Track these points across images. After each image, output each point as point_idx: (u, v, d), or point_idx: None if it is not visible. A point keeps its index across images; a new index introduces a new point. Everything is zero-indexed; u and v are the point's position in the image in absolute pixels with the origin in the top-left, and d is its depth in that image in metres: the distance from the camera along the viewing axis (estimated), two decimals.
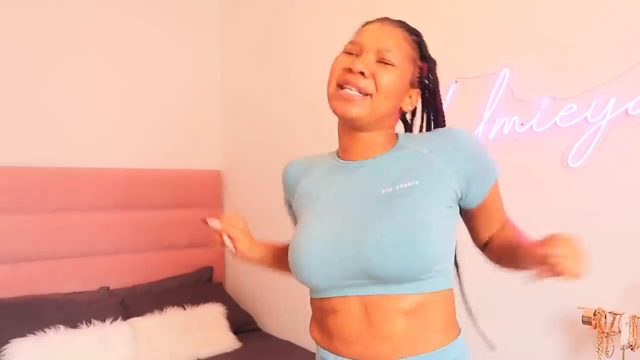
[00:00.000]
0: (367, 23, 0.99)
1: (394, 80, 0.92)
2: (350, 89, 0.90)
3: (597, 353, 1.46)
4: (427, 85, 1.01)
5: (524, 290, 1.67)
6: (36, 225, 2.43)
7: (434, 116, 1.04)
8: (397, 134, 1.02)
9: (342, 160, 1.00)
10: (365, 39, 0.93)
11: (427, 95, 1.02)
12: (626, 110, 1.46)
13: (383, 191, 0.91)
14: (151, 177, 2.82)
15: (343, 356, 0.91)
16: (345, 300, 0.90)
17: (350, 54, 0.94)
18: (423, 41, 1.00)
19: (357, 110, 0.90)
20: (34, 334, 2.07)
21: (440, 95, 1.04)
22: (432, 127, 1.05)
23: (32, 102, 2.52)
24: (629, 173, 1.46)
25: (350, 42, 0.95)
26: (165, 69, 2.96)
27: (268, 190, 2.81)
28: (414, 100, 1.00)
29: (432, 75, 1.01)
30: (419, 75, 0.98)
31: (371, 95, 0.90)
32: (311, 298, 1.00)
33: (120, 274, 2.67)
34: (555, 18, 1.61)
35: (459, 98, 1.85)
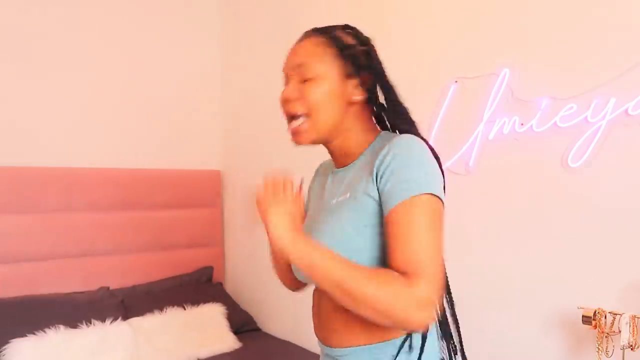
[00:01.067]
0: None
1: (320, 91, 0.93)
2: (291, 120, 0.96)
3: (597, 353, 1.46)
4: (364, 66, 0.98)
5: (524, 290, 1.67)
6: (36, 225, 2.43)
7: (386, 91, 1.00)
8: (376, 135, 1.01)
9: (333, 167, 1.07)
10: (285, 65, 0.99)
11: (372, 74, 0.99)
12: (626, 110, 1.46)
13: (332, 202, 0.97)
14: (151, 177, 2.83)
15: (318, 339, 1.03)
16: (315, 293, 1.04)
17: (285, 84, 0.99)
18: (335, 34, 0.98)
19: (305, 137, 0.96)
20: (34, 334, 2.07)
21: (378, 71, 1.00)
22: (388, 103, 1.00)
23: (32, 102, 2.52)
24: (629, 173, 1.46)
25: (282, 72, 1.00)
26: (165, 69, 2.96)
27: None
28: (360, 89, 0.97)
29: (365, 58, 0.98)
30: (352, 65, 0.96)
31: (306, 114, 0.94)
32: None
33: (120, 274, 2.67)
34: (555, 18, 1.61)
35: (459, 98, 1.85)
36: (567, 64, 1.58)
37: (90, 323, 2.21)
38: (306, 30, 1.02)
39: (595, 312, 1.46)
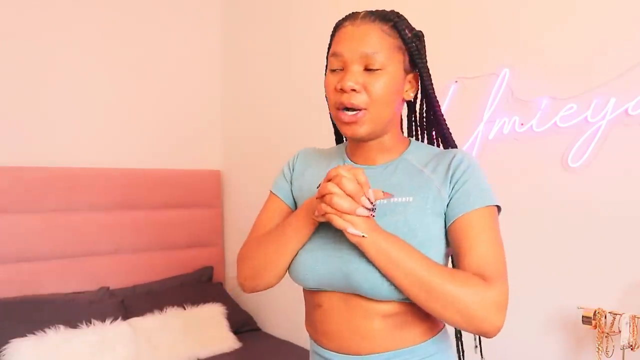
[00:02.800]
0: (340, 26, 0.94)
1: (386, 84, 0.89)
2: (349, 111, 0.89)
3: (597, 353, 1.46)
4: (418, 64, 0.96)
5: (524, 290, 1.66)
6: (36, 225, 2.43)
7: (426, 97, 1.00)
8: (409, 140, 1.01)
9: (350, 162, 1.00)
10: (345, 49, 0.89)
11: (422, 71, 0.97)
12: (626, 110, 1.46)
13: (378, 202, 0.90)
14: (151, 177, 2.82)
15: (326, 348, 0.94)
16: (329, 296, 0.93)
17: (337, 70, 0.91)
18: (400, 22, 0.92)
19: (363, 129, 0.90)
20: (34, 334, 2.07)
21: (428, 72, 0.98)
22: (425, 108, 1.02)
23: (32, 102, 2.52)
24: (629, 173, 1.46)
25: (332, 55, 0.92)
26: (165, 69, 2.96)
27: (268, 190, 2.81)
28: (414, 86, 0.97)
29: (419, 55, 0.95)
30: (411, 59, 0.94)
31: (367, 108, 0.88)
32: (303, 288, 1.01)
33: (120, 274, 2.67)
34: (555, 18, 1.61)
35: (459, 98, 1.85)
36: (567, 64, 1.58)
37: (90, 323, 2.21)
38: (364, 11, 0.93)
39: (595, 312, 1.46)
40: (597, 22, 1.52)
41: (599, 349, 1.46)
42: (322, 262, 0.91)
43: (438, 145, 1.07)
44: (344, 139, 1.10)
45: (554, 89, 1.61)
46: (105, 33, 2.75)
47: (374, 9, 0.94)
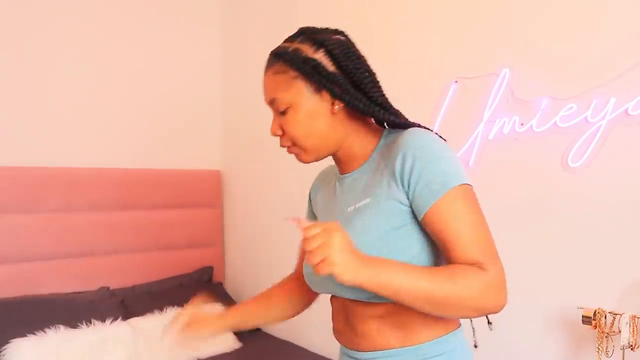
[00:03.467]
0: None
1: (297, 120, 0.92)
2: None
3: (597, 353, 1.46)
4: (330, 73, 0.90)
5: (524, 290, 1.66)
6: (36, 225, 2.43)
7: (363, 87, 0.92)
8: (382, 133, 0.98)
9: (338, 173, 1.04)
10: (264, 98, 0.98)
11: (342, 75, 0.91)
12: (626, 110, 1.46)
13: (348, 209, 0.94)
14: (151, 177, 2.82)
15: (340, 342, 1.03)
16: (334, 300, 1.01)
17: None
18: (289, 54, 0.92)
19: (306, 158, 0.96)
20: (34, 334, 2.07)
21: (337, 84, 0.91)
22: (365, 104, 0.92)
23: (32, 102, 2.52)
24: (629, 173, 1.46)
25: None
26: (165, 68, 2.96)
27: (268, 190, 2.82)
28: (336, 97, 0.91)
29: (316, 74, 0.90)
30: (316, 78, 0.90)
31: (295, 144, 0.94)
32: None
33: (120, 274, 2.67)
34: (555, 18, 1.61)
35: (459, 98, 1.85)
36: (567, 64, 1.58)
37: (90, 323, 2.21)
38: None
39: (595, 312, 1.46)
40: (597, 22, 1.52)
41: (599, 349, 1.46)
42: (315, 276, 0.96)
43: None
44: None
45: (554, 89, 1.61)
46: (106, 33, 2.75)
47: (287, 37, 0.99)
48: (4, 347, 2.00)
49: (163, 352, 2.26)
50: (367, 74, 0.94)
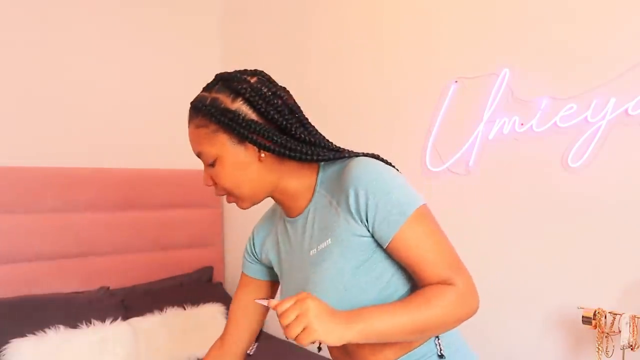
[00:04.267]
0: None
1: (224, 171, 0.91)
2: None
3: (597, 353, 1.46)
4: (250, 122, 0.88)
5: (524, 290, 1.67)
6: (36, 225, 2.43)
7: (283, 132, 0.91)
8: (318, 168, 0.96)
9: (285, 217, 1.02)
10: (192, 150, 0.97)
11: (258, 129, 0.89)
12: (626, 110, 1.46)
13: (311, 252, 0.94)
14: (151, 177, 2.82)
15: (334, 356, 1.05)
16: None
17: None
18: (207, 106, 0.90)
19: (242, 205, 0.96)
20: (34, 334, 2.07)
21: (269, 111, 0.89)
22: (289, 149, 0.90)
23: (32, 102, 2.52)
24: (629, 173, 1.46)
25: None
26: (165, 68, 2.96)
27: None
28: (260, 144, 0.89)
29: (235, 126, 0.88)
30: (236, 130, 0.88)
31: (228, 193, 0.94)
32: None
33: (120, 274, 2.67)
34: (555, 18, 1.61)
35: (459, 98, 1.85)
36: (567, 64, 1.58)
37: (90, 323, 2.21)
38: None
39: (595, 312, 1.46)
40: (597, 22, 1.52)
41: (599, 349, 1.46)
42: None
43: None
44: None
45: (554, 89, 1.61)
46: (105, 33, 2.75)
47: (206, 87, 0.97)
48: (4, 347, 2.00)
49: (163, 352, 2.26)
50: (290, 114, 0.91)
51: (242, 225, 3.03)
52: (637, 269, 1.44)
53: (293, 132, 0.90)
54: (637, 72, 1.43)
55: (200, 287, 2.80)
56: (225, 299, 2.73)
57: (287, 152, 0.89)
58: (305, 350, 2.41)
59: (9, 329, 2.07)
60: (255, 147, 0.90)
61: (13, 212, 2.38)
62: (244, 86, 0.90)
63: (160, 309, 2.44)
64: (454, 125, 1.86)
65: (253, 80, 0.92)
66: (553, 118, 1.61)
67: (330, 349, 1.03)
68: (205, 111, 0.90)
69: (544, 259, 1.64)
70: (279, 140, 0.89)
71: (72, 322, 2.18)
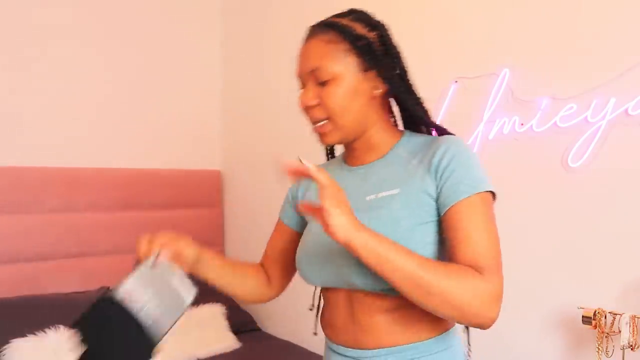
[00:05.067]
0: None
1: (338, 92, 0.90)
2: (315, 123, 0.93)
3: (597, 353, 1.46)
4: (380, 55, 0.93)
5: (524, 290, 1.66)
6: (36, 225, 2.43)
7: (402, 81, 0.97)
8: (402, 132, 1.01)
9: (345, 165, 1.02)
10: (299, 69, 0.94)
11: (389, 62, 0.94)
12: (626, 110, 1.46)
13: (367, 198, 0.93)
14: (151, 177, 2.82)
15: (334, 342, 0.98)
16: (335, 293, 0.96)
17: (302, 89, 0.95)
18: (343, 26, 0.92)
19: (332, 137, 0.93)
20: (34, 334, 2.07)
21: (389, 66, 0.94)
22: (405, 94, 0.97)
23: (32, 102, 2.52)
24: (629, 173, 1.46)
25: (296, 77, 0.96)
26: (166, 68, 2.96)
27: (268, 190, 2.81)
28: (380, 81, 0.93)
29: (370, 51, 0.92)
30: (367, 56, 0.91)
31: (328, 118, 0.91)
32: None
33: (120, 274, 2.63)
34: (555, 18, 1.61)
35: (459, 98, 1.85)
36: (567, 64, 1.58)
37: None
38: (311, 25, 0.98)
39: (595, 312, 1.46)
40: (597, 22, 1.52)
41: (599, 349, 1.46)
42: (320, 264, 0.94)
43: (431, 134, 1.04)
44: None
45: (554, 89, 1.61)
46: (105, 33, 2.75)
47: (330, 15, 0.99)
48: (4, 347, 2.00)
49: (163, 352, 2.26)
50: (405, 67, 0.97)
51: (242, 225, 3.03)
52: (637, 269, 1.44)
53: (408, 81, 0.97)
54: (637, 72, 1.43)
55: (200, 287, 2.79)
56: (225, 299, 2.73)
57: (403, 94, 0.95)
58: (305, 349, 2.41)
59: (9, 329, 2.07)
60: (374, 80, 0.92)
61: (13, 212, 2.38)
62: (379, 23, 0.95)
63: None
64: (454, 125, 1.84)
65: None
66: (553, 118, 1.60)
67: (332, 317, 0.97)
68: (341, 30, 0.92)
69: (544, 258, 1.64)
70: (399, 82, 0.94)
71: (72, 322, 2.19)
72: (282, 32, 2.72)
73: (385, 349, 0.90)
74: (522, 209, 1.69)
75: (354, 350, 0.93)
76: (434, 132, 1.02)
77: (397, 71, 0.95)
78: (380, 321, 0.91)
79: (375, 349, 0.91)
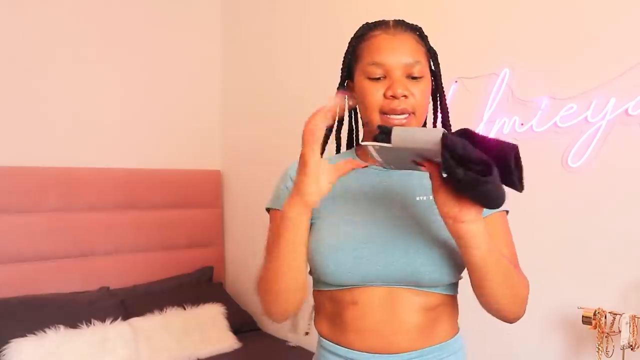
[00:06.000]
0: (371, 35, 0.96)
1: (425, 91, 0.94)
2: (398, 115, 0.91)
3: (597, 353, 1.46)
4: (434, 73, 1.01)
5: None
6: (36, 225, 2.43)
7: (440, 104, 1.04)
8: None
9: (371, 165, 0.97)
10: (388, 58, 0.92)
11: (433, 83, 1.01)
12: (626, 110, 1.46)
13: (417, 198, 0.94)
14: (151, 177, 2.82)
15: (356, 349, 0.91)
16: (368, 292, 0.90)
17: (377, 78, 0.92)
18: (423, 31, 1.00)
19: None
20: (34, 334, 2.07)
21: (441, 79, 1.04)
22: (439, 116, 1.05)
23: (32, 102, 2.52)
24: (629, 173, 1.46)
25: (373, 64, 0.92)
26: (165, 68, 2.96)
27: (268, 190, 2.81)
28: (437, 92, 1.03)
29: (435, 64, 1.01)
30: (432, 67, 1.00)
31: (414, 112, 0.92)
32: (320, 290, 0.98)
33: (120, 274, 2.67)
34: (555, 18, 1.61)
35: (459, 98, 1.85)
36: (567, 64, 1.58)
37: (90, 323, 2.21)
38: (393, 19, 1.00)
39: (595, 312, 1.46)
40: (597, 23, 1.52)
41: (599, 349, 1.46)
42: (371, 256, 0.89)
43: None
44: (355, 144, 1.11)
45: (554, 89, 1.61)
46: (106, 34, 2.75)
47: (399, 18, 1.00)
48: (4, 347, 2.00)
49: (163, 352, 2.26)
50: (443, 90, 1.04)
51: (242, 225, 3.03)
52: (637, 269, 1.44)
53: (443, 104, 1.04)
54: (637, 72, 1.43)
55: (200, 287, 2.80)
56: (225, 299, 2.73)
57: (444, 108, 1.02)
58: (304, 349, 2.41)
59: (9, 329, 2.07)
60: (430, 90, 0.98)
61: (13, 212, 2.38)
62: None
63: (160, 309, 2.44)
64: (454, 125, 1.85)
65: None
66: (553, 118, 1.60)
67: (364, 321, 0.90)
68: (422, 34, 0.98)
69: (544, 259, 1.64)
70: (441, 103, 1.02)
71: (72, 322, 2.19)
72: (281, 33, 2.72)
73: (417, 351, 0.90)
74: (522, 209, 1.69)
75: (381, 355, 0.89)
76: None
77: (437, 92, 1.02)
78: (418, 321, 0.90)
79: (407, 352, 0.89)
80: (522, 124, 1.68)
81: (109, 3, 2.76)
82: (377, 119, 0.92)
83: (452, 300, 0.97)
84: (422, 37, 0.98)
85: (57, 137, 2.59)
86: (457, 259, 0.89)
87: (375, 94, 0.92)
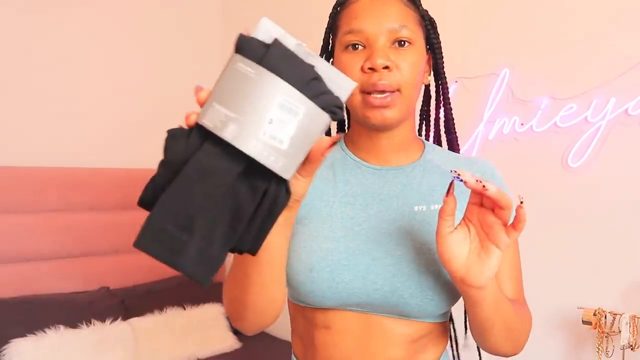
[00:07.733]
0: (348, 2, 0.80)
1: (415, 62, 0.76)
2: (379, 94, 0.74)
3: (597, 353, 1.46)
4: (433, 44, 0.84)
5: (524, 290, 1.67)
6: (36, 225, 2.43)
7: (439, 82, 0.89)
8: (422, 139, 0.90)
9: (362, 161, 0.83)
10: (367, 24, 0.75)
11: (433, 56, 0.86)
12: (626, 110, 1.46)
13: (416, 208, 0.79)
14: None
15: None
16: (344, 317, 0.78)
17: (354, 47, 0.76)
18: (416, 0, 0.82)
19: (393, 113, 0.75)
20: (34, 334, 2.07)
21: (441, 55, 0.87)
22: (438, 96, 0.91)
23: (31, 101, 2.52)
24: (629, 173, 1.46)
25: (349, 33, 0.76)
26: (166, 68, 2.96)
27: None
28: (428, 70, 0.85)
29: (434, 32, 0.84)
30: (428, 37, 0.83)
31: (399, 89, 0.75)
32: (293, 303, 0.85)
33: (120, 274, 2.67)
34: (555, 18, 1.61)
35: (459, 98, 1.85)
36: (567, 64, 1.58)
37: (90, 323, 2.21)
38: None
39: (595, 312, 1.46)
40: (597, 22, 1.52)
41: (599, 349, 1.46)
42: (351, 281, 0.75)
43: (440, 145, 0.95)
44: (345, 129, 0.95)
45: (554, 89, 1.61)
46: (105, 33, 2.75)
47: None
48: (4, 347, 2.00)
49: (163, 352, 2.26)
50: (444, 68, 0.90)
51: None
52: (637, 269, 1.44)
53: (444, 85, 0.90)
54: (637, 72, 1.43)
55: (200, 287, 2.80)
56: None
57: (443, 89, 0.88)
58: None
59: (9, 329, 2.07)
60: (427, 64, 0.84)
61: (13, 212, 2.38)
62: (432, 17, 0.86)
63: (160, 309, 2.44)
64: (455, 125, 1.86)
65: None
66: (553, 118, 1.61)
67: (336, 350, 0.79)
68: (416, 0, 0.82)
69: (544, 259, 1.64)
70: (443, 81, 0.88)
71: (72, 322, 2.18)
72: (283, 18, 2.72)
73: None
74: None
75: None
76: (444, 143, 0.96)
77: (437, 69, 0.86)
78: (400, 355, 0.77)
79: None
80: (522, 124, 1.69)
81: (109, 3, 2.76)
82: (358, 100, 0.76)
83: (442, 326, 0.83)
84: (417, 3, 0.81)
85: (57, 137, 2.59)
86: (453, 289, 0.75)
87: (351, 67, 0.75)
